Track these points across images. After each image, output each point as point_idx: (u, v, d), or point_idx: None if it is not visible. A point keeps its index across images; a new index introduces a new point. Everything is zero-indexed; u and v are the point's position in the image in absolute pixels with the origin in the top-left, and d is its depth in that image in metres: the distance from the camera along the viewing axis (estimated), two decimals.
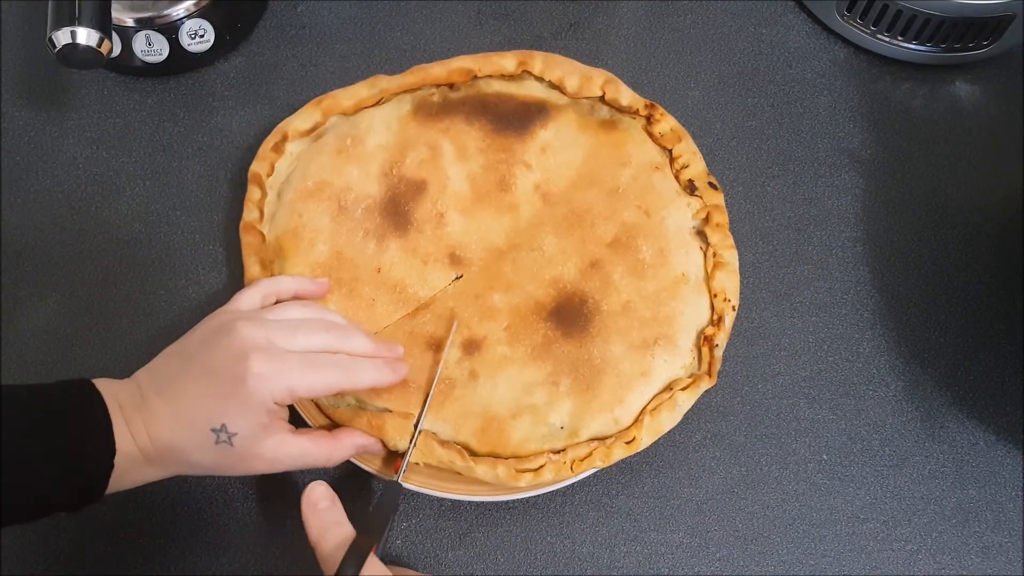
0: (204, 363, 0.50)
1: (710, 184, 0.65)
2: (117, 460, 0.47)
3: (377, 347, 0.55)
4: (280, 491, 0.60)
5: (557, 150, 0.66)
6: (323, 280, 0.60)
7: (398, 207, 0.64)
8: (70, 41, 0.59)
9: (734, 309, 0.62)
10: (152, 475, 0.50)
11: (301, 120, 0.66)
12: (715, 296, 0.62)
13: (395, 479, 0.55)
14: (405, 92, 0.68)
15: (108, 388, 0.49)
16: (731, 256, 0.63)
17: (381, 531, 0.51)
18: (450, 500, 0.59)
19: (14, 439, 0.45)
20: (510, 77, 0.68)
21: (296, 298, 0.58)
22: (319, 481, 0.51)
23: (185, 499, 0.59)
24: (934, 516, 0.61)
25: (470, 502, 0.59)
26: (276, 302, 0.57)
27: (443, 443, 0.57)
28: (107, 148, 0.70)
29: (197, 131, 0.71)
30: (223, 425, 0.48)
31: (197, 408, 0.49)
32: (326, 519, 0.49)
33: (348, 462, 0.58)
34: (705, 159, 0.67)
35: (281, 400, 0.50)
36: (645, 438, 0.58)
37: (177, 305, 0.65)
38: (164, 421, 0.49)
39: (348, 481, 0.60)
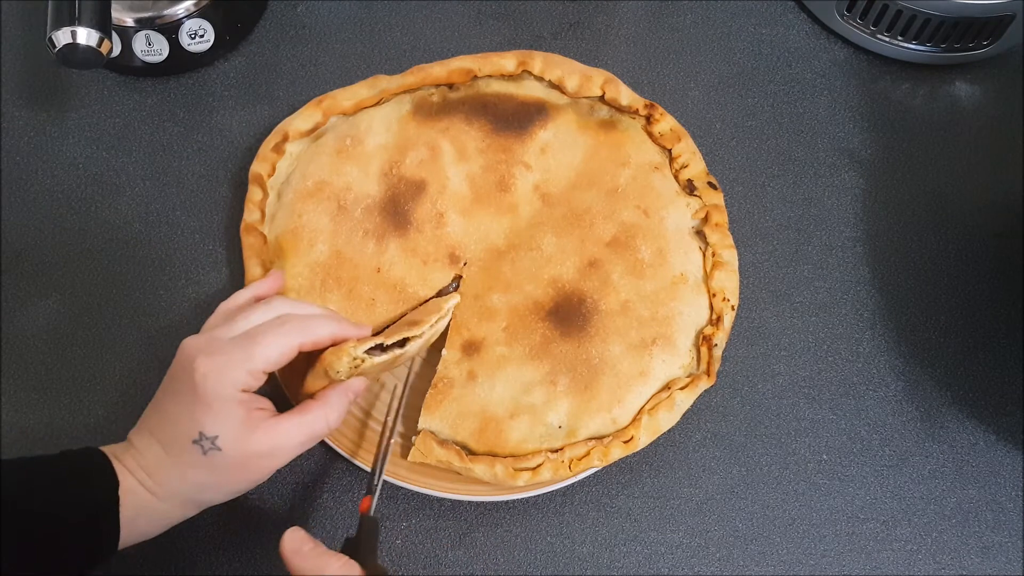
0: (166, 389, 0.50)
1: (709, 184, 0.65)
2: (122, 495, 0.47)
3: (331, 312, 0.54)
4: (280, 491, 0.60)
5: (556, 150, 0.66)
6: (274, 272, 0.59)
7: (398, 207, 0.64)
8: (70, 41, 0.59)
9: (733, 309, 0.62)
10: (171, 512, 0.50)
11: (301, 120, 0.66)
12: (714, 296, 0.62)
13: (368, 514, 0.53)
14: (405, 92, 0.68)
15: (105, 448, 0.50)
16: (730, 256, 0.63)
17: (373, 558, 0.51)
18: (450, 500, 0.59)
19: (25, 508, 0.46)
20: (510, 77, 0.68)
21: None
22: (294, 527, 0.49)
23: None
24: (934, 516, 0.61)
25: (470, 502, 0.59)
26: None
27: (442, 443, 0.57)
28: (107, 148, 0.70)
29: (197, 131, 0.71)
30: (200, 433, 0.48)
31: (170, 429, 0.49)
32: (317, 558, 0.47)
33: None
34: (705, 159, 0.67)
35: (246, 386, 0.48)
36: (643, 437, 0.58)
37: (177, 305, 0.65)
38: (150, 452, 0.49)
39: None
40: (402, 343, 0.54)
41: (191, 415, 0.48)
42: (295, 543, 0.48)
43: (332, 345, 0.52)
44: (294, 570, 0.47)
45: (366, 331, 0.53)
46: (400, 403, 0.60)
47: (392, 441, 0.58)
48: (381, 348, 0.53)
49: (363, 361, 0.51)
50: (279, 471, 0.60)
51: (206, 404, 0.47)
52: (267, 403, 0.51)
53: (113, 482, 0.48)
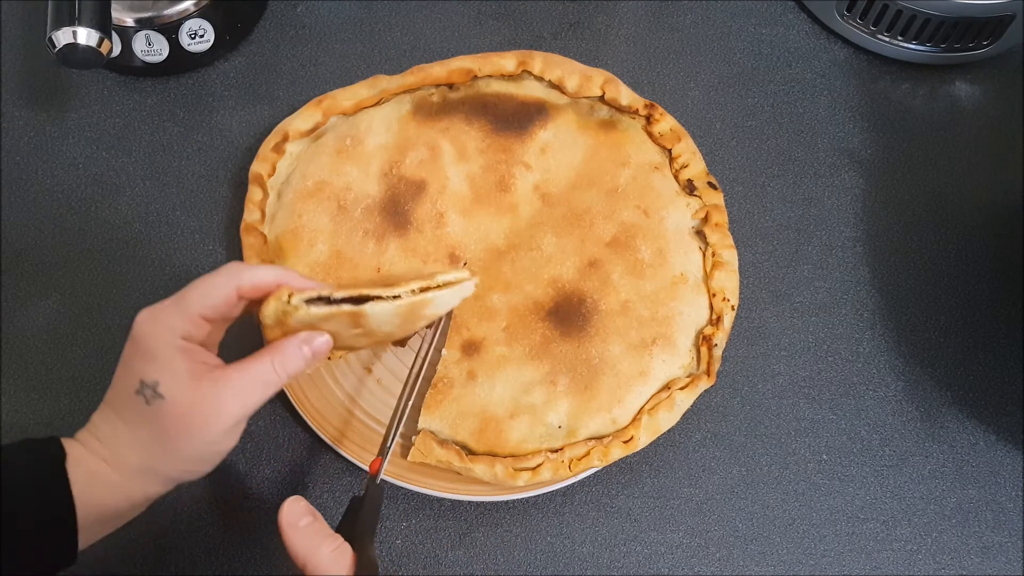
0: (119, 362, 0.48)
1: (709, 184, 0.65)
2: (72, 467, 0.45)
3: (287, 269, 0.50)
4: (280, 491, 0.60)
5: (557, 150, 0.66)
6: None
7: (398, 207, 0.64)
8: (70, 41, 0.59)
9: (733, 309, 0.62)
10: (130, 485, 0.47)
11: (301, 120, 0.66)
12: (714, 296, 0.62)
13: (376, 480, 0.52)
14: (405, 92, 0.68)
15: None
16: (730, 256, 0.63)
17: (371, 534, 0.49)
18: (450, 500, 0.59)
19: None
20: (510, 77, 0.68)
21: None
22: (296, 497, 0.47)
23: (185, 499, 0.59)
24: (934, 516, 0.61)
25: (470, 502, 0.59)
26: None
27: (442, 443, 0.57)
28: (107, 148, 0.70)
29: (197, 131, 0.71)
30: (141, 382, 0.45)
31: (116, 388, 0.47)
32: (312, 536, 0.46)
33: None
34: (705, 159, 0.67)
35: (185, 333, 0.46)
36: (643, 437, 0.58)
37: None
38: (103, 419, 0.47)
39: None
40: (358, 300, 0.47)
41: (131, 367, 0.46)
42: (293, 515, 0.46)
43: None
44: (287, 543, 0.46)
45: (313, 283, 0.48)
46: (430, 347, 0.58)
47: (411, 402, 0.57)
48: (327, 301, 0.46)
49: (295, 309, 0.46)
50: (280, 472, 0.60)
51: (145, 353, 0.45)
52: (214, 358, 0.48)
53: (60, 454, 0.45)
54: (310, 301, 0.46)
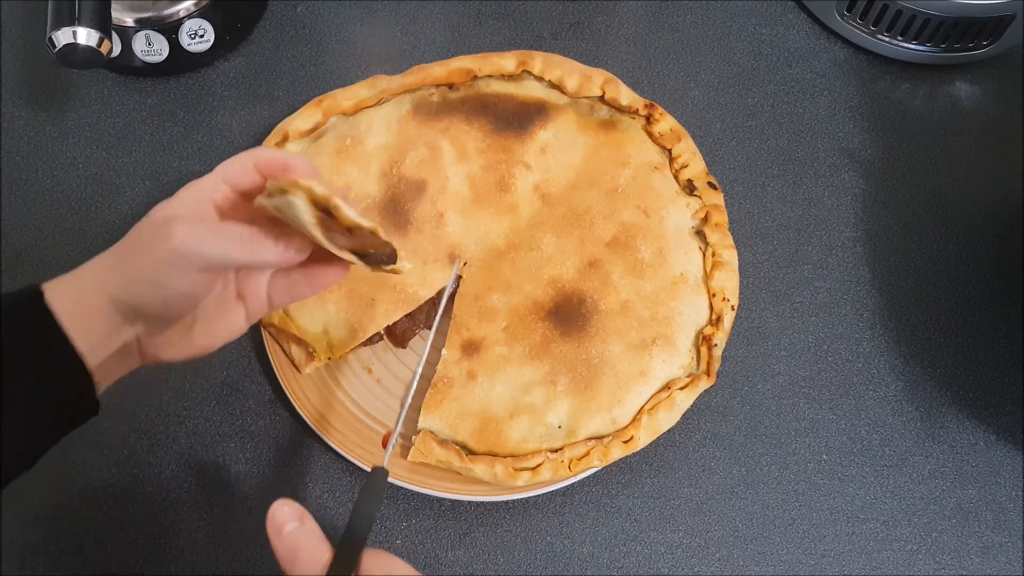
0: None
1: (709, 184, 0.65)
2: (50, 292, 0.45)
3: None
4: (280, 492, 0.60)
5: (556, 150, 0.66)
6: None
7: (398, 207, 0.64)
8: (70, 41, 0.59)
9: (733, 309, 0.62)
10: (88, 303, 0.46)
11: (301, 120, 0.66)
12: (714, 296, 0.62)
13: (381, 465, 0.51)
14: (405, 92, 0.68)
15: None
16: (730, 256, 0.63)
17: (365, 534, 0.48)
18: (450, 500, 0.59)
19: None
20: (510, 77, 0.68)
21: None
22: (283, 500, 0.46)
23: (185, 499, 0.59)
24: (934, 516, 0.61)
25: (470, 502, 0.59)
26: None
27: (442, 443, 0.57)
28: (107, 148, 0.70)
29: (197, 131, 0.71)
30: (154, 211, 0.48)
31: None
32: (294, 541, 0.45)
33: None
34: (705, 159, 0.67)
35: (210, 195, 0.49)
36: (643, 437, 0.58)
37: None
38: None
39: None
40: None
41: None
42: (278, 520, 0.45)
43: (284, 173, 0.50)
44: (273, 549, 0.45)
45: (307, 172, 0.50)
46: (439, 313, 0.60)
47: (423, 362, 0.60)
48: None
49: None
50: (280, 472, 0.60)
51: (171, 200, 0.49)
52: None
53: (36, 289, 0.45)
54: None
